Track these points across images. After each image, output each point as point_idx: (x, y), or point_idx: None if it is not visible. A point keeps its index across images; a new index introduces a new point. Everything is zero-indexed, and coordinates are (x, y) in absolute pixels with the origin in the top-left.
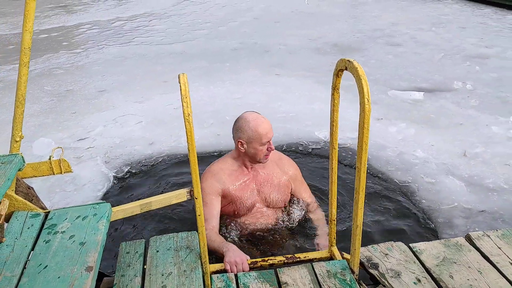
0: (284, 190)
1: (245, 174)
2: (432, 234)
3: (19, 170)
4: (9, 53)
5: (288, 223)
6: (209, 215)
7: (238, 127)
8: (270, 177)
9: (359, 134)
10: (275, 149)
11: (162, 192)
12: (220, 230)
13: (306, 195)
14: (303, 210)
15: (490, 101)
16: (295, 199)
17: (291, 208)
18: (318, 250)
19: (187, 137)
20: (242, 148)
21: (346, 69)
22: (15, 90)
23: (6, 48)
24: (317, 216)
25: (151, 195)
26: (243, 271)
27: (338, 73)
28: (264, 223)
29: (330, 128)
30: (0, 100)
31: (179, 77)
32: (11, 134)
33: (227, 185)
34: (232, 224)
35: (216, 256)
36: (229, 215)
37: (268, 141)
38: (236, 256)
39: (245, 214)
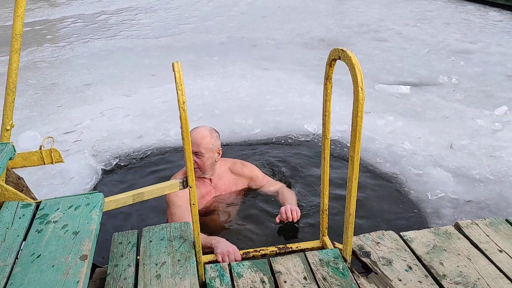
0: (241, 192)
1: (207, 185)
2: (421, 223)
3: (10, 159)
4: None
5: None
6: (189, 218)
7: None
8: (228, 186)
9: (352, 123)
10: (229, 157)
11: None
12: None
13: (271, 187)
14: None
15: (475, 95)
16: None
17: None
18: (286, 211)
19: (181, 125)
20: None
21: (339, 58)
22: (2, 80)
23: None
24: (284, 194)
25: (141, 187)
26: (236, 260)
27: (331, 63)
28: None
29: (323, 118)
30: None
31: (173, 65)
32: (1, 123)
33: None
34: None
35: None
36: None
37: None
38: (227, 246)
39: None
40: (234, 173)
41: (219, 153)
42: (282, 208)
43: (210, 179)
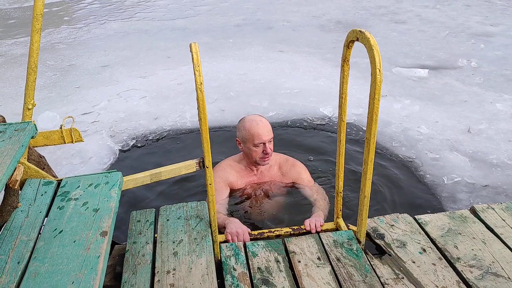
0: (285, 192)
1: (252, 175)
2: (436, 208)
3: (32, 137)
4: (10, 27)
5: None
6: (217, 199)
7: (237, 126)
8: (274, 180)
9: (369, 105)
10: (295, 158)
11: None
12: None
13: (311, 195)
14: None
15: (495, 78)
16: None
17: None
18: (310, 224)
19: (198, 106)
20: (239, 146)
21: (357, 39)
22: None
23: (6, 22)
24: (317, 205)
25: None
26: (244, 241)
27: (348, 44)
28: (263, 212)
29: (339, 101)
30: (3, 74)
31: (190, 47)
32: (21, 104)
33: (235, 180)
34: (232, 208)
35: (220, 231)
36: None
37: (263, 143)
38: (237, 227)
39: (245, 205)
40: (282, 170)
41: None
42: (306, 221)
43: (257, 169)
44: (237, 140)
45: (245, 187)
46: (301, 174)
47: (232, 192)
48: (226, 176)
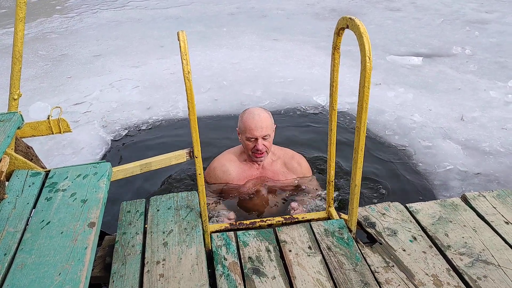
0: (288, 188)
1: (254, 169)
2: (428, 196)
3: (18, 128)
4: (1, 17)
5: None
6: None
7: (239, 116)
8: (277, 175)
9: (359, 93)
10: (288, 147)
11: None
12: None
13: (313, 191)
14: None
15: (489, 66)
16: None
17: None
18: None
19: (187, 96)
20: (239, 137)
21: (347, 27)
22: (9, 54)
23: None
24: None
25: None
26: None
27: (339, 32)
28: (264, 209)
29: (330, 89)
30: None
31: (178, 35)
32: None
33: (233, 177)
34: (231, 204)
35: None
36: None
37: (255, 139)
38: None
39: (244, 198)
40: (286, 166)
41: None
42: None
43: (259, 164)
44: (237, 129)
45: (246, 182)
46: (306, 174)
47: (232, 187)
48: (219, 175)
